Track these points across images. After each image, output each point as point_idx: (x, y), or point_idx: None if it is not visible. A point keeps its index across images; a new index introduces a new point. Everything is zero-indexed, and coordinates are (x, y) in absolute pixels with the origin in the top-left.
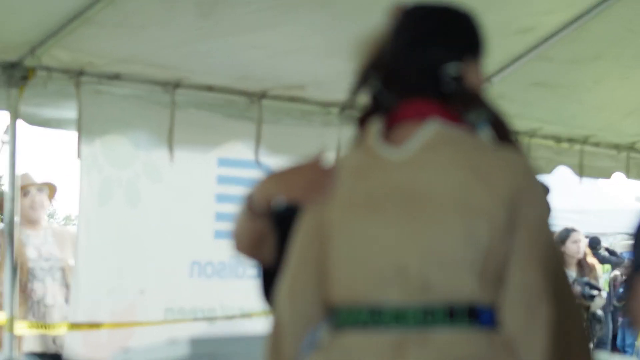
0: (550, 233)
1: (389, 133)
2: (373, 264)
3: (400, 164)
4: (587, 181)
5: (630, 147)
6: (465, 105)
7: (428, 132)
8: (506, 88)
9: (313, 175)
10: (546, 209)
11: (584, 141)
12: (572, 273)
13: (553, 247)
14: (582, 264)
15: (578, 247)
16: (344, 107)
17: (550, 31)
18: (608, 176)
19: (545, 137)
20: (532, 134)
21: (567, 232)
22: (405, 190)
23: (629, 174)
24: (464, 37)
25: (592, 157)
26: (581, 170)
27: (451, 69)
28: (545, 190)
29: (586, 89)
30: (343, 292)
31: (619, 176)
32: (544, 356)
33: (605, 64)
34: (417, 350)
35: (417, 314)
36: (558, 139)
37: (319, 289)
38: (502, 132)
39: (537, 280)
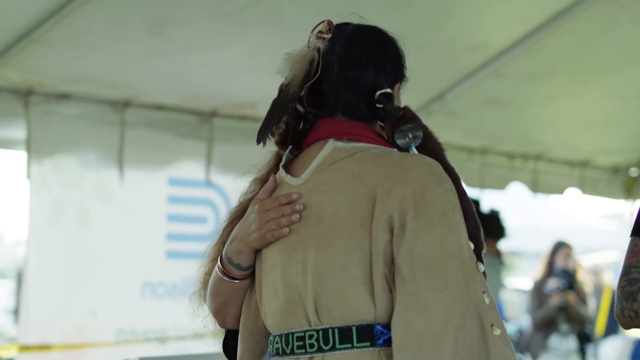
0: (445, 244)
1: (301, 157)
2: (280, 293)
3: (297, 190)
4: (541, 198)
5: (585, 163)
6: (394, 125)
7: (324, 153)
8: (459, 105)
9: (270, 211)
10: (442, 215)
11: (538, 157)
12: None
13: (445, 257)
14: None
15: (567, 261)
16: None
17: (502, 47)
18: (561, 192)
19: (498, 153)
20: (485, 151)
21: (557, 246)
22: (301, 215)
23: (584, 190)
24: (393, 60)
25: (546, 173)
26: (535, 187)
27: (382, 90)
28: (467, 199)
29: (539, 105)
30: (267, 322)
31: (573, 192)
32: None
33: (558, 80)
34: None
35: (318, 339)
36: (511, 156)
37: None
38: (433, 148)
39: (413, 290)
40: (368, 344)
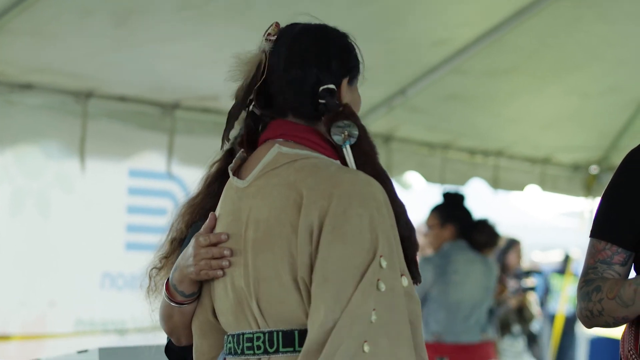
0: (351, 263)
1: (250, 158)
2: (229, 293)
3: (242, 193)
4: (501, 194)
5: (545, 160)
6: (332, 120)
7: (267, 158)
8: (421, 100)
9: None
10: (357, 233)
11: (498, 154)
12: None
13: (346, 276)
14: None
15: (519, 258)
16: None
17: (465, 43)
18: (522, 189)
19: (459, 149)
20: (446, 146)
21: (509, 243)
22: (243, 219)
23: (544, 187)
24: (338, 56)
25: (506, 170)
26: (495, 183)
27: (324, 86)
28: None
29: (501, 101)
30: (221, 321)
31: (533, 189)
32: None
33: (520, 77)
34: None
35: (264, 341)
36: (472, 152)
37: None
38: (366, 150)
39: (314, 302)
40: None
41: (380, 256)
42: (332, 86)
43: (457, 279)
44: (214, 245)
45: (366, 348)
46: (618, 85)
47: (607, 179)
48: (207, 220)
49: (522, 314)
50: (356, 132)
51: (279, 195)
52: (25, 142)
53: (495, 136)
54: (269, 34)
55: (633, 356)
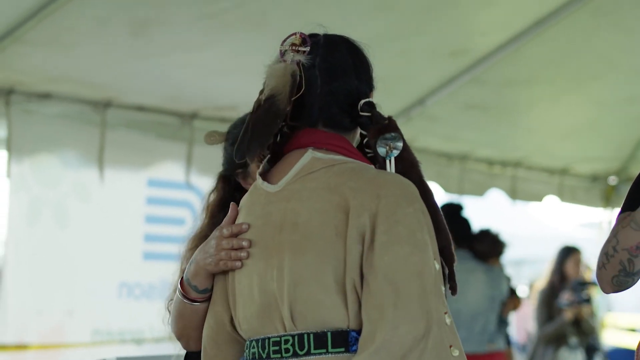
0: (410, 262)
1: (279, 165)
2: (256, 298)
3: (274, 197)
4: (520, 205)
5: (564, 171)
6: (378, 133)
7: (302, 162)
8: (439, 110)
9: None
10: (410, 234)
11: (517, 164)
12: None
13: (408, 275)
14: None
15: (578, 267)
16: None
17: (483, 53)
18: (540, 200)
19: (477, 160)
20: (464, 157)
21: (566, 252)
22: (276, 222)
23: (562, 198)
24: (367, 68)
25: (525, 180)
26: (513, 194)
27: (366, 100)
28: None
29: (519, 111)
30: (242, 328)
31: (551, 200)
32: None
33: (539, 87)
34: None
35: (293, 344)
36: (490, 162)
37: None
38: (411, 160)
39: (377, 303)
40: (342, 349)
41: (433, 258)
42: (372, 100)
43: None
44: (235, 236)
45: (455, 352)
46: (636, 95)
47: (626, 189)
48: (229, 211)
49: (580, 326)
50: (400, 145)
51: (319, 198)
52: (43, 152)
53: (513, 146)
54: (294, 44)
55: None
